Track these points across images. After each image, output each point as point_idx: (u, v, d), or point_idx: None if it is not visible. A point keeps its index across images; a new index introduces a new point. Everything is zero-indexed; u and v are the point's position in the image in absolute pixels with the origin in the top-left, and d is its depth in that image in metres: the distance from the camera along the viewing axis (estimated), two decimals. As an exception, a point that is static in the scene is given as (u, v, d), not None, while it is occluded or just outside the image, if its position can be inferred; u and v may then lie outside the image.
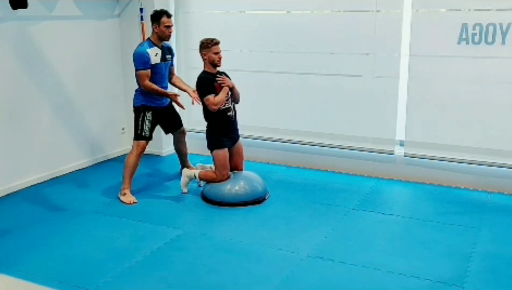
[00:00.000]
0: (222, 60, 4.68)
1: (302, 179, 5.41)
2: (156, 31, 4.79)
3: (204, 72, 4.73)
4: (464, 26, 4.72)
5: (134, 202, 4.79)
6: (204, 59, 4.69)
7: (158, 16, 4.77)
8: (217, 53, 4.61)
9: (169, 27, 4.78)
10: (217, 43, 4.62)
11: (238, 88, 5.68)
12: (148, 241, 4.03)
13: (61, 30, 5.45)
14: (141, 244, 3.99)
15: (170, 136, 5.44)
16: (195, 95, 4.85)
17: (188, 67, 6.27)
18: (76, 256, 3.84)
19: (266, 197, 4.86)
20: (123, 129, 6.30)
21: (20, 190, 5.11)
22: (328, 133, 5.61)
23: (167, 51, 4.96)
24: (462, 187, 5.07)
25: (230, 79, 4.82)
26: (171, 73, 5.10)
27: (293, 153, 5.83)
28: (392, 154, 5.34)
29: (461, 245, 3.88)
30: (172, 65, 5.09)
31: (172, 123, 5.24)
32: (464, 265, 3.59)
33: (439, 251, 3.81)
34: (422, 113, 5.15)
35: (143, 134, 4.89)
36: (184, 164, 5.42)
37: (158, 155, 6.27)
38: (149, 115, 4.88)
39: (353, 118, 5.47)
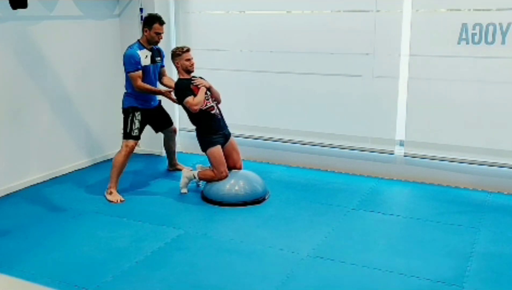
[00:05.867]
0: (194, 65, 4.89)
1: (302, 179, 5.41)
2: (146, 34, 4.89)
3: (179, 79, 4.90)
4: (464, 26, 4.72)
5: (121, 201, 4.81)
6: (177, 67, 4.88)
7: (151, 21, 4.86)
8: (188, 60, 4.80)
9: (159, 34, 4.88)
10: (188, 50, 4.83)
11: (239, 88, 5.70)
12: (148, 241, 4.03)
13: (61, 30, 5.45)
14: (141, 244, 3.99)
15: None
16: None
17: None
18: (76, 256, 3.83)
19: (266, 197, 4.86)
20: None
21: (20, 190, 5.11)
22: (328, 133, 5.61)
23: (156, 53, 5.04)
24: (462, 187, 5.07)
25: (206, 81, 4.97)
26: (162, 75, 5.19)
27: (293, 153, 5.82)
28: (392, 154, 5.34)
29: (460, 245, 3.88)
30: (162, 66, 5.18)
31: (162, 122, 5.37)
32: (464, 265, 3.59)
33: (439, 251, 3.81)
34: (422, 113, 5.14)
35: (132, 133, 4.94)
36: (171, 161, 5.61)
37: (158, 155, 6.26)
38: (138, 115, 4.96)
39: (353, 118, 5.46)
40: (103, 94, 6.04)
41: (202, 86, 4.84)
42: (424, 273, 3.49)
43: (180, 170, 5.33)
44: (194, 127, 6.22)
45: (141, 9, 5.92)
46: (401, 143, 5.31)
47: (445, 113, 5.04)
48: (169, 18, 6.11)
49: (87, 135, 5.90)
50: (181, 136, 6.40)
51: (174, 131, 5.51)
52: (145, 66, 4.88)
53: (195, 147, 6.20)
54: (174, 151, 5.60)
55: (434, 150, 5.14)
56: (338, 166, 5.61)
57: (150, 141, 6.15)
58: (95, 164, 5.97)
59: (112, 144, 6.11)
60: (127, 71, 4.87)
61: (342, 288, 3.38)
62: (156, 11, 5.85)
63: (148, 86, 4.90)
